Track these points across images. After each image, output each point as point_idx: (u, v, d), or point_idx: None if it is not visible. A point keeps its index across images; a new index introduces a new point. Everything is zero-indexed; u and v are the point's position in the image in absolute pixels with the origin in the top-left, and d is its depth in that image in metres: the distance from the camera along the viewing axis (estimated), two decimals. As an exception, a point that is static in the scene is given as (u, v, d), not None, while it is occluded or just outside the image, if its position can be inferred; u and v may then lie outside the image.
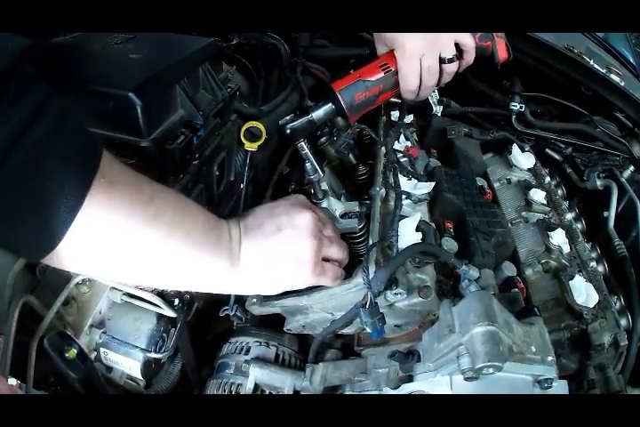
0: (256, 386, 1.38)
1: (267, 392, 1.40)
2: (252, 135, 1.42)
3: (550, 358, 1.02)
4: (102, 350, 1.29)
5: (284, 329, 1.48)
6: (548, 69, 1.96)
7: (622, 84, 1.87)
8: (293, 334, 1.54)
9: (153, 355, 1.27)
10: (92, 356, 1.29)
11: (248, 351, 1.50)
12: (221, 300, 1.58)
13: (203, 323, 1.70)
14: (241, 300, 1.53)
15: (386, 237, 1.20)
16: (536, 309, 1.15)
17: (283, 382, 1.38)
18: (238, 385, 1.40)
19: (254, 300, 1.42)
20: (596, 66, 1.82)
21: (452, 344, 0.99)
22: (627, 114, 2.00)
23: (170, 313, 1.24)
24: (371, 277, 1.09)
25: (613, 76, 1.86)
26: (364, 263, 1.05)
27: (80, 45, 1.11)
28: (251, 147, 1.39)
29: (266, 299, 1.41)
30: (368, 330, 1.05)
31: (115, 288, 1.24)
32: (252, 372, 1.37)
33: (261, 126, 1.36)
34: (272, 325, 1.59)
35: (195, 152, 1.07)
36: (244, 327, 1.58)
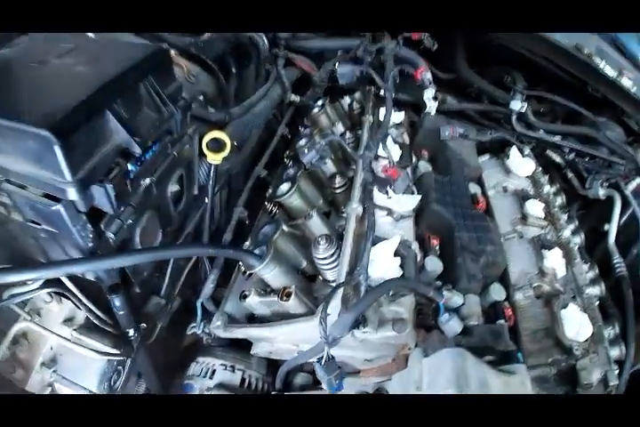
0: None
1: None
2: (218, 145, 1.28)
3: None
4: (56, 385, 1.21)
5: (251, 353, 1.39)
6: (554, 67, 1.78)
7: (634, 89, 1.69)
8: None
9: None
10: (48, 391, 1.21)
11: (213, 375, 1.41)
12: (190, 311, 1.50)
13: (176, 329, 1.62)
14: (208, 317, 1.44)
15: (354, 273, 1.07)
16: (520, 354, 1.04)
17: (246, 412, 1.29)
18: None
19: (218, 323, 1.32)
20: (607, 67, 1.64)
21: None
22: (636, 120, 1.83)
23: (115, 356, 1.15)
24: (334, 319, 0.97)
25: (625, 80, 1.69)
26: (323, 313, 0.93)
27: (16, 61, 0.98)
28: (214, 159, 1.25)
29: (230, 324, 1.31)
30: (324, 386, 0.94)
31: (64, 324, 1.16)
32: (214, 402, 1.28)
33: (225, 137, 1.22)
34: (241, 342, 1.50)
35: (138, 179, 0.94)
36: (211, 347, 1.49)
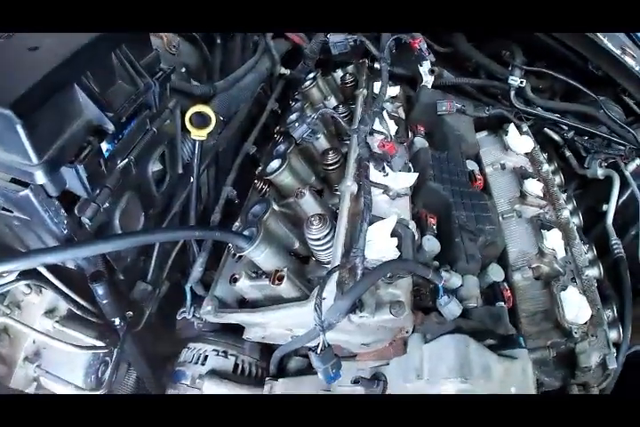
0: (210, 401, 1.27)
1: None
2: (203, 120, 1.20)
3: (532, 397, 0.89)
4: (42, 379, 1.15)
5: (244, 337, 1.34)
6: (555, 42, 1.69)
7: (637, 68, 1.61)
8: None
9: (88, 391, 1.13)
10: (33, 386, 1.15)
11: (205, 360, 1.36)
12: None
13: (167, 314, 1.56)
14: (198, 302, 1.38)
15: (350, 254, 1.01)
16: (521, 338, 1.00)
17: (238, 398, 1.25)
18: (192, 399, 1.28)
19: (208, 308, 1.27)
20: (609, 45, 1.57)
21: (420, 391, 0.85)
22: (637, 100, 1.76)
23: (100, 350, 1.09)
24: (330, 303, 0.92)
25: (628, 59, 1.61)
26: (317, 299, 0.87)
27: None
28: (199, 135, 1.17)
29: (220, 309, 1.26)
30: (320, 377, 0.90)
31: (46, 316, 1.09)
32: (206, 390, 1.24)
33: (210, 111, 1.14)
34: (234, 327, 1.45)
35: (115, 158, 0.86)
36: (203, 333, 1.44)
